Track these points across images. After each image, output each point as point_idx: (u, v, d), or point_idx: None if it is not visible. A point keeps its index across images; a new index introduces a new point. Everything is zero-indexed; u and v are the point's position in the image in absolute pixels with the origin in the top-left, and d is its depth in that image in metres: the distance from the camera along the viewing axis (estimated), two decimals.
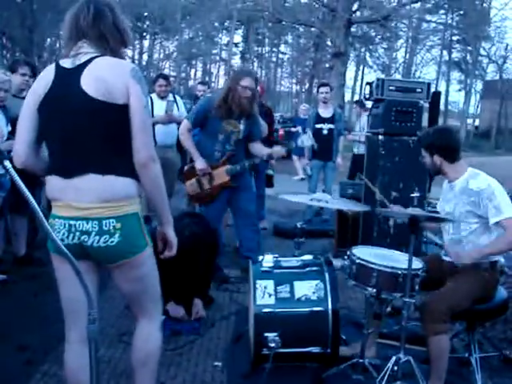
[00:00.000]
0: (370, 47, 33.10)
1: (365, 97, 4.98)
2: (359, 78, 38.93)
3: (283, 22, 16.41)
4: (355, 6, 14.97)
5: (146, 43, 46.54)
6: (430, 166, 3.25)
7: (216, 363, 3.42)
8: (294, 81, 43.09)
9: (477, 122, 42.56)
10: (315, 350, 3.14)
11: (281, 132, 15.60)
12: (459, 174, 3.15)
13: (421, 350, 3.25)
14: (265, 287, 3.18)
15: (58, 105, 2.14)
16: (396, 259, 3.06)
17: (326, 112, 7.27)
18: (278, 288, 3.17)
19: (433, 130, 3.30)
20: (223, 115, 4.51)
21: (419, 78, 33.90)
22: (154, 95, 6.60)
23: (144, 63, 42.00)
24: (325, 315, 3.11)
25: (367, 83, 5.02)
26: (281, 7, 16.56)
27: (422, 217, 2.78)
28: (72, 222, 2.13)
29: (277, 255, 3.43)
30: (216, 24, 42.90)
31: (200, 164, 4.60)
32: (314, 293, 3.16)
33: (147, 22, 44.41)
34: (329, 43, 18.88)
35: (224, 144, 4.61)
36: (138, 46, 43.42)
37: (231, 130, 4.57)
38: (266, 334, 3.05)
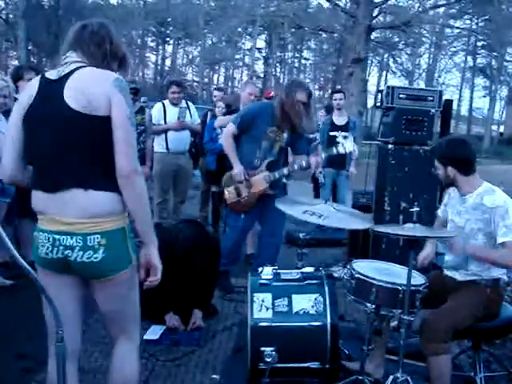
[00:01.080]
0: (393, 53, 32.82)
1: (375, 104, 4.87)
2: (382, 83, 38.70)
3: (305, 28, 16.31)
4: (376, 12, 14.83)
5: (170, 49, 46.90)
6: (443, 178, 3.14)
7: (214, 376, 3.36)
8: (317, 86, 42.91)
9: (502, 129, 41.90)
10: (313, 365, 3.05)
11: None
12: (473, 188, 3.03)
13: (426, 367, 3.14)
14: (262, 300, 3.10)
15: (40, 117, 2.10)
16: (398, 274, 2.96)
17: (340, 119, 7.14)
18: (275, 301, 3.10)
19: (447, 140, 3.19)
20: (273, 123, 4.40)
21: (443, 84, 33.60)
22: (166, 102, 6.59)
23: (167, 68, 42.30)
24: (323, 330, 3.02)
25: (379, 91, 4.92)
26: (302, 13, 16.50)
27: (418, 237, 2.66)
28: (56, 236, 2.09)
29: (276, 267, 3.35)
30: (239, 29, 43.03)
31: (237, 169, 4.47)
32: (312, 307, 3.08)
33: (170, 28, 44.77)
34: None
35: (266, 152, 4.47)
36: (160, 52, 43.75)
37: (275, 137, 4.45)
38: (263, 349, 2.98)
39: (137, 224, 2.14)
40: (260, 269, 3.35)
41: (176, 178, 6.62)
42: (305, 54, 44.74)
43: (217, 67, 46.89)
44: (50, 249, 2.11)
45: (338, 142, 4.31)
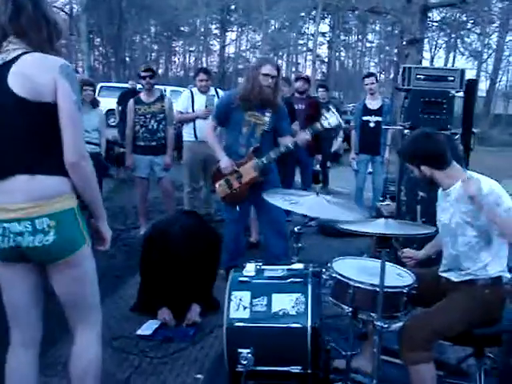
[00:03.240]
0: (462, 33, 31.32)
1: (396, 87, 4.54)
2: (449, 65, 37.04)
3: (356, 11, 15.70)
4: None
5: (234, 35, 46.97)
6: (422, 178, 2.84)
7: (197, 375, 3.22)
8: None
9: None
10: (295, 369, 2.83)
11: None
12: (454, 180, 2.72)
13: None
14: (240, 299, 2.90)
15: None
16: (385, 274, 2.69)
17: (373, 103, 6.83)
18: (253, 300, 2.88)
19: (409, 139, 2.90)
20: (245, 107, 4.26)
21: None
22: (195, 89, 6.48)
23: (227, 56, 42.38)
24: (303, 332, 2.78)
25: (402, 72, 4.57)
26: None
27: (385, 235, 2.37)
28: (5, 225, 2.08)
29: (260, 263, 3.14)
30: (302, 14, 42.51)
31: (224, 162, 4.34)
32: (293, 307, 2.84)
33: (234, 15, 44.84)
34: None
35: (249, 138, 4.33)
36: (219, 40, 43.88)
37: (254, 122, 4.30)
38: (240, 350, 2.80)
39: (87, 203, 2.21)
40: (244, 265, 3.16)
41: (206, 166, 6.50)
42: (370, 37, 43.63)
43: (280, 53, 46.53)
44: (1, 239, 2.10)
45: (324, 117, 4.01)
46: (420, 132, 2.86)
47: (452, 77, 4.25)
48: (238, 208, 4.37)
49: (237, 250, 4.54)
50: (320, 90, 8.96)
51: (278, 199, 3.07)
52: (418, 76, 4.26)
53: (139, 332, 3.67)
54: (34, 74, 2.03)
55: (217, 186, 4.48)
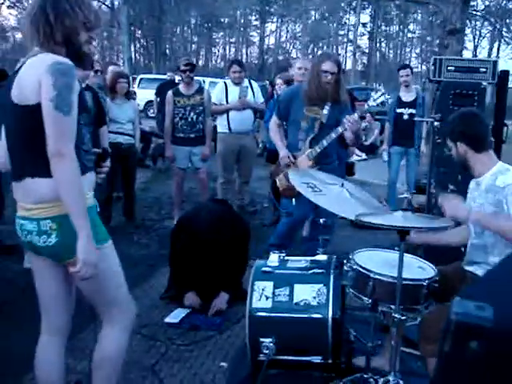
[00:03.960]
0: (508, 21, 30.46)
1: (429, 78, 4.48)
2: (493, 55, 36.04)
3: (398, 1, 15.48)
4: None
5: (273, 26, 46.81)
6: (457, 157, 2.83)
7: (222, 363, 3.29)
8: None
9: None
10: (316, 359, 2.86)
11: None
12: (486, 168, 2.71)
13: None
14: (263, 289, 2.94)
15: (4, 112, 2.18)
16: (406, 267, 2.68)
17: (407, 96, 6.76)
18: (276, 291, 2.92)
19: (456, 115, 2.87)
20: (305, 102, 4.29)
21: None
22: (228, 81, 6.54)
23: (266, 47, 42.28)
24: (324, 323, 2.81)
25: (433, 63, 4.51)
26: None
27: (403, 228, 2.35)
28: (22, 222, 2.20)
29: (284, 254, 3.18)
30: (342, 4, 42.07)
31: (282, 153, 4.40)
32: (314, 298, 2.87)
33: (274, 6, 44.64)
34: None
35: (307, 132, 4.32)
36: (259, 31, 43.79)
37: (313, 116, 4.30)
38: (262, 339, 2.85)
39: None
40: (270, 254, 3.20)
41: (239, 158, 6.56)
42: (411, 27, 42.85)
43: (320, 44, 46.20)
44: (20, 233, 2.24)
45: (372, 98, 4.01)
46: (468, 110, 2.87)
47: (484, 68, 4.17)
48: (293, 201, 4.33)
49: (284, 242, 4.48)
50: None
51: (304, 184, 3.07)
52: (449, 67, 4.20)
53: (167, 320, 3.76)
54: (23, 77, 2.06)
55: (277, 181, 4.52)
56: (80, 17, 2.14)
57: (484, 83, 4.17)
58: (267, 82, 13.29)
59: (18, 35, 42.56)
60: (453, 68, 4.21)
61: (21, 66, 2.11)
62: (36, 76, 2.01)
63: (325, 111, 4.27)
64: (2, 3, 30.95)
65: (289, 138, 4.50)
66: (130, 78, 7.48)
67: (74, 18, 2.14)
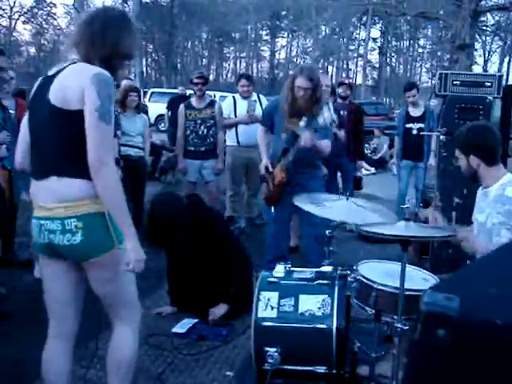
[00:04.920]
0: None
1: (435, 93, 4.53)
2: (504, 70, 36.00)
3: (408, 16, 15.59)
4: None
5: (284, 41, 47.10)
6: (466, 170, 2.87)
7: (228, 373, 3.32)
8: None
9: None
10: (320, 369, 2.89)
11: None
12: (495, 180, 2.75)
13: None
14: (268, 299, 2.99)
15: (32, 111, 2.30)
16: (409, 278, 2.72)
17: (416, 111, 6.81)
18: (281, 301, 2.97)
19: (468, 127, 2.90)
20: (285, 114, 4.36)
21: None
22: (237, 95, 6.62)
23: (277, 62, 42.52)
24: (329, 333, 2.85)
25: (439, 78, 4.56)
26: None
27: (406, 238, 2.40)
28: (42, 222, 2.24)
29: (290, 265, 3.22)
30: (353, 19, 42.26)
31: (263, 160, 4.53)
32: (319, 308, 2.91)
33: (284, 21, 44.96)
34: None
35: (287, 143, 4.38)
36: (269, 46, 44.05)
37: (292, 128, 4.32)
38: (266, 349, 2.89)
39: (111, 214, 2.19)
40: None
41: (248, 171, 6.62)
42: (421, 42, 42.98)
43: (331, 59, 46.43)
44: (38, 234, 2.28)
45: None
46: (481, 123, 2.90)
47: (489, 82, 4.21)
48: (272, 209, 4.44)
49: (277, 253, 4.55)
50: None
51: (306, 202, 3.13)
52: (455, 82, 4.25)
53: (174, 330, 3.80)
54: (67, 83, 2.15)
55: (263, 188, 4.66)
56: (129, 46, 2.30)
57: (489, 97, 4.22)
58: None
59: (32, 50, 43.22)
60: (458, 82, 4.26)
61: (58, 71, 2.21)
62: (79, 83, 2.12)
63: (302, 123, 4.28)
64: (18, 19, 31.45)
65: (273, 147, 4.63)
66: (142, 92, 7.57)
67: (125, 46, 2.28)
